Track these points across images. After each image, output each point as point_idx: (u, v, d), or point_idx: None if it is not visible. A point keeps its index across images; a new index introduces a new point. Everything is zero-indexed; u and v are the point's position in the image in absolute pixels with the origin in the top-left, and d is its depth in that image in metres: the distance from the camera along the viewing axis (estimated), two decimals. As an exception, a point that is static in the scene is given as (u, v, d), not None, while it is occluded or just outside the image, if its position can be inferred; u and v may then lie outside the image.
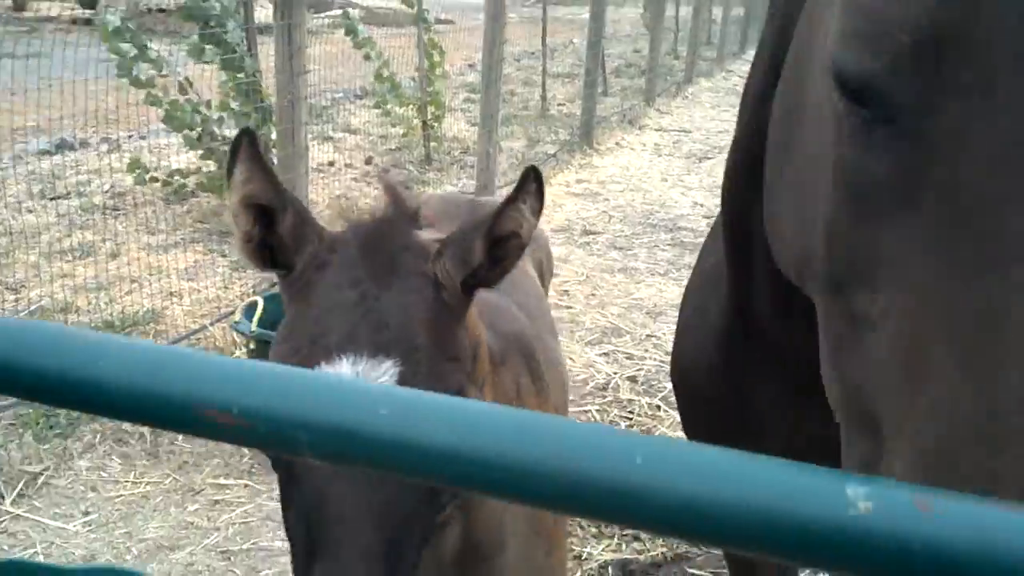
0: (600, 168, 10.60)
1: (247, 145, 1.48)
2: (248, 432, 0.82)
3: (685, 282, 2.42)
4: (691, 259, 2.64)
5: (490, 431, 0.78)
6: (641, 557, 3.86)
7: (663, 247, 7.86)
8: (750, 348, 1.91)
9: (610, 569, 3.78)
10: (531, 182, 1.52)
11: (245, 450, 4.50)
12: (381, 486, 1.37)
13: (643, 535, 3.99)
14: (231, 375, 0.83)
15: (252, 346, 4.47)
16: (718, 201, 2.35)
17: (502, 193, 8.22)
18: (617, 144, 11.78)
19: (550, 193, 9.14)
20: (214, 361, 0.85)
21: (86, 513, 3.99)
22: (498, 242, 1.56)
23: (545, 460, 0.75)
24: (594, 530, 4.04)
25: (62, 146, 8.99)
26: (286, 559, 3.74)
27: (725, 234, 1.86)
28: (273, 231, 1.54)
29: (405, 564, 1.41)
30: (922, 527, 0.68)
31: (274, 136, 6.09)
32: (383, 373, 1.37)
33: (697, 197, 9.51)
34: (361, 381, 0.83)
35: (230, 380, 0.83)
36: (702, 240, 2.47)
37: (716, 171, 10.41)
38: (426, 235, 1.64)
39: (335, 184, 8.74)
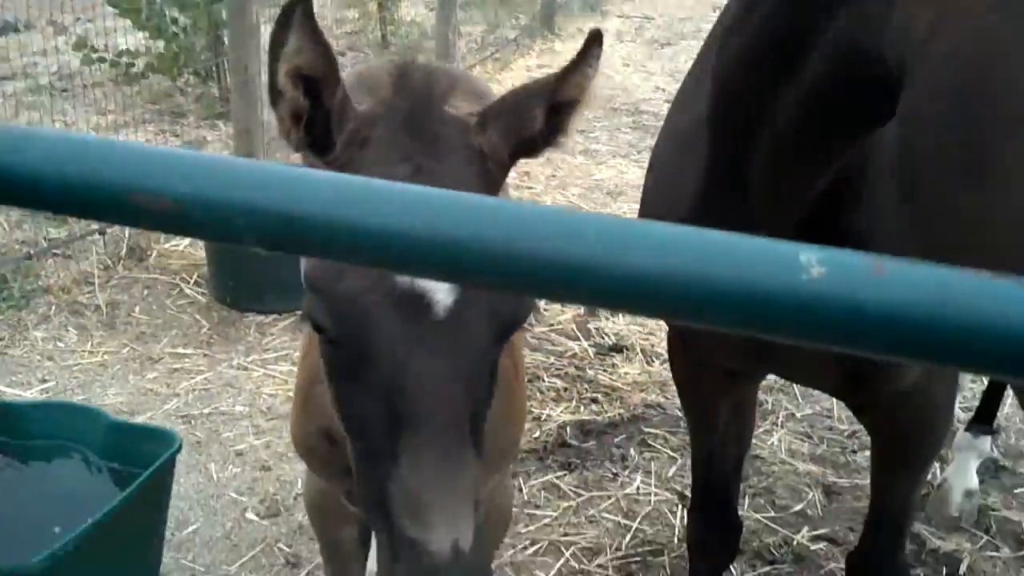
0: (561, 53, 10.40)
1: (301, 13, 1.35)
2: (182, 219, 0.78)
3: (646, 164, 2.40)
4: (652, 142, 2.61)
5: (437, 213, 0.74)
6: (599, 418, 3.93)
7: (624, 130, 7.81)
8: (729, 214, 1.88)
9: (568, 429, 3.84)
10: (597, 46, 1.50)
11: (204, 320, 4.48)
12: (463, 350, 1.35)
13: (601, 397, 4.05)
14: (164, 162, 0.79)
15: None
16: (679, 86, 2.31)
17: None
18: (579, 30, 11.54)
19: (510, 78, 9.00)
20: (146, 149, 0.81)
21: (43, 381, 3.98)
22: (556, 109, 1.53)
23: (497, 240, 0.72)
24: (553, 393, 4.09)
25: (6, 28, 8.70)
26: (247, 423, 3.78)
27: (719, 112, 1.83)
28: (320, 106, 1.45)
29: (481, 425, 1.41)
30: (875, 290, 0.66)
31: (224, 15, 5.91)
32: None
33: (659, 82, 9.39)
34: (297, 167, 0.79)
35: (163, 166, 0.79)
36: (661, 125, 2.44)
37: (679, 57, 10.28)
38: (455, 110, 1.58)
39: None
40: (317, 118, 1.46)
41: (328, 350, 1.44)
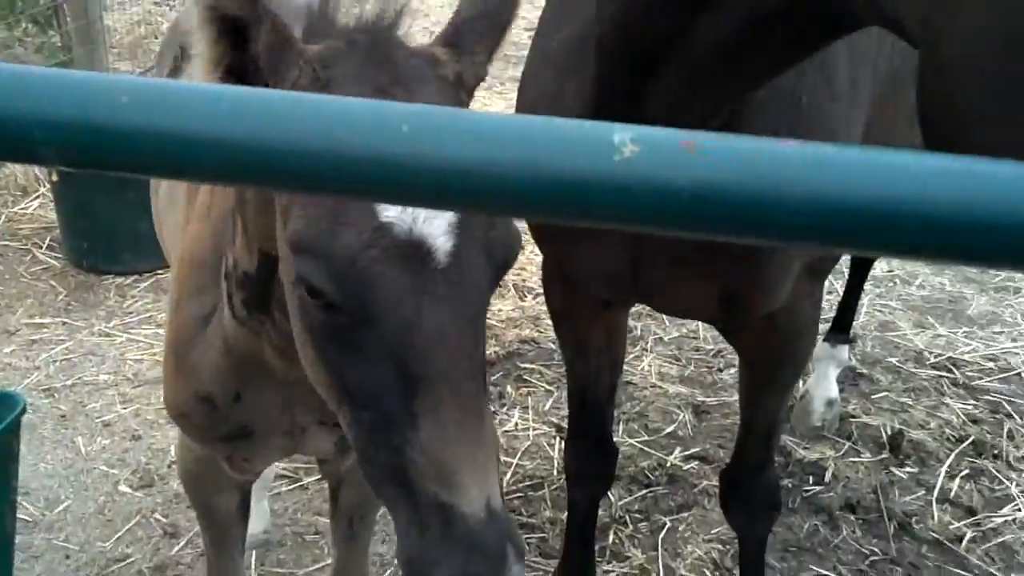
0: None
1: None
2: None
3: (511, 95, 2.35)
4: (515, 72, 2.56)
5: (244, 114, 0.71)
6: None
7: (486, 62, 7.74)
8: None
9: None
10: None
11: (60, 287, 4.30)
12: (467, 298, 1.28)
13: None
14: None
15: (55, 177, 4.25)
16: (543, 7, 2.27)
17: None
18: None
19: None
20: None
21: None
22: None
23: (304, 139, 0.70)
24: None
25: None
26: (113, 392, 3.65)
27: (617, 34, 1.74)
28: (245, 51, 1.32)
29: (486, 374, 1.35)
30: (689, 167, 0.66)
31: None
32: None
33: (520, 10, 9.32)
34: (97, 73, 0.75)
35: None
36: (525, 53, 2.39)
37: (540, -12, 10.21)
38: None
39: (135, 10, 8.14)
40: (245, 65, 1.33)
41: (321, 318, 1.31)
